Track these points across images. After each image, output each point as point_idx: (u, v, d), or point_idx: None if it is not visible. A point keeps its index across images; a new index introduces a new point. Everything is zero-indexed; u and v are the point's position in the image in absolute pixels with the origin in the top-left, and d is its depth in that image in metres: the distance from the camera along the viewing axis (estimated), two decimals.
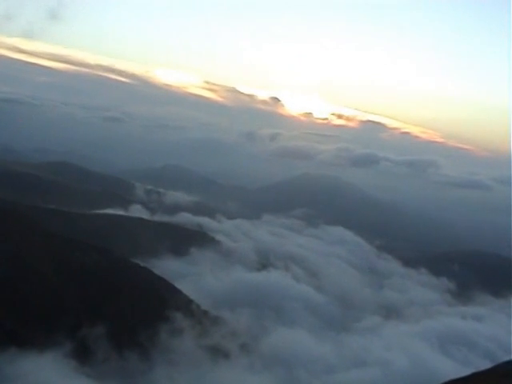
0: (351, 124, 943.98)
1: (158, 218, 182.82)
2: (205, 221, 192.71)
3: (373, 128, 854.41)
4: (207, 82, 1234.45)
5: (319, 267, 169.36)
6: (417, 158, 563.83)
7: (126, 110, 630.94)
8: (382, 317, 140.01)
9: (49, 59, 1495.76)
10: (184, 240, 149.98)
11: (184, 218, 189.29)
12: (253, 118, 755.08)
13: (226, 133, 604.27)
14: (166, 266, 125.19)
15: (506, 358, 28.91)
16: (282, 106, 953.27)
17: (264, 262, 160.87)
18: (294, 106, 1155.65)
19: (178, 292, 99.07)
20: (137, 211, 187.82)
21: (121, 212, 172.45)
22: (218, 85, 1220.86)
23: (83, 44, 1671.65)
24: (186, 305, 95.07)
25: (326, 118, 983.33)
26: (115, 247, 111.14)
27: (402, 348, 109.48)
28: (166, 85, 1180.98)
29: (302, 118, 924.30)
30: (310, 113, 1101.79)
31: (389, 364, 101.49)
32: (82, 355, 68.79)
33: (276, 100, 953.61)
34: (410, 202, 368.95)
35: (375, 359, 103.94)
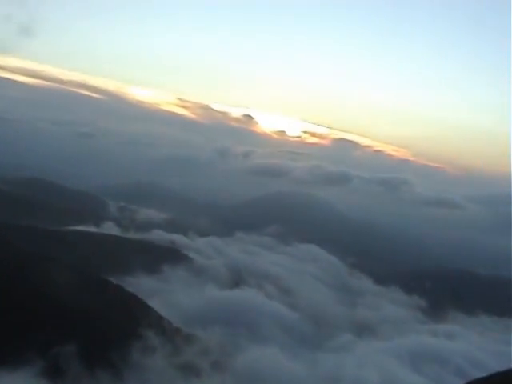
0: (324, 142, 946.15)
1: (130, 235, 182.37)
2: (177, 238, 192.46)
3: (346, 146, 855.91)
4: (180, 99, 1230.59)
5: (292, 285, 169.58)
6: (389, 176, 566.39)
7: (99, 126, 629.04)
8: (354, 334, 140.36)
9: (22, 74, 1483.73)
10: (156, 257, 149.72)
11: (156, 235, 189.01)
12: (226, 135, 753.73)
13: (199, 150, 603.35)
14: (139, 284, 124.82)
15: (477, 375, 29.19)
16: (256, 123, 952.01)
17: (236, 280, 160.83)
18: (267, 123, 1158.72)
19: (150, 309, 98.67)
20: (109, 228, 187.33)
21: (93, 229, 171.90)
22: (190, 102, 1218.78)
23: (56, 60, 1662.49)
24: (158, 322, 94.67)
25: (299, 136, 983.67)
26: (87, 264, 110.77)
27: (374, 365, 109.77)
28: (139, 101, 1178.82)
29: (275, 135, 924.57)
30: (283, 131, 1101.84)
31: (361, 381, 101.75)
32: (54, 374, 68.22)
33: (249, 117, 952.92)
34: (383, 219, 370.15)
35: (348, 377, 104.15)
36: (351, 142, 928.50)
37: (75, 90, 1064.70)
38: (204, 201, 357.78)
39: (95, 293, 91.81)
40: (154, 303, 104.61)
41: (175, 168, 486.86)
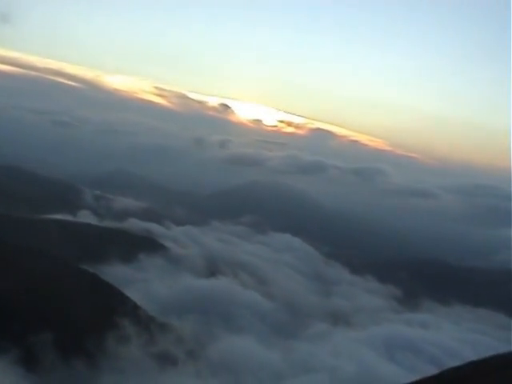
0: (300, 131, 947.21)
1: (106, 223, 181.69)
2: (153, 227, 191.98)
3: (322, 136, 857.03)
4: (157, 88, 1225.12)
5: (267, 274, 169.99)
6: (365, 166, 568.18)
7: (75, 114, 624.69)
8: (329, 323, 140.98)
9: None
10: (132, 246, 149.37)
11: (132, 224, 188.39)
12: (202, 124, 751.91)
13: (176, 139, 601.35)
14: (114, 272, 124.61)
15: (451, 364, 29.53)
16: (232, 112, 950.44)
17: (212, 269, 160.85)
18: (243, 112, 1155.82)
19: (125, 298, 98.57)
20: (85, 217, 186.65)
21: (69, 217, 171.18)
22: (167, 90, 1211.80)
23: (32, 47, 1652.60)
24: (133, 311, 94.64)
25: (276, 126, 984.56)
26: (63, 253, 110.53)
27: (349, 354, 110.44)
28: (116, 90, 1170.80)
29: (252, 125, 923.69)
30: (260, 120, 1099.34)
31: (336, 370, 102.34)
32: (30, 363, 68.18)
33: (226, 107, 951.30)
34: (358, 209, 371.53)
35: (323, 366, 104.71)
36: (327, 131, 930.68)
37: (51, 77, 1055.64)
38: (180, 190, 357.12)
39: (70, 281, 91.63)
40: (130, 292, 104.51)
41: (151, 157, 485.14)
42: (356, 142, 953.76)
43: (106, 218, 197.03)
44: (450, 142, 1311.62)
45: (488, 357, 25.66)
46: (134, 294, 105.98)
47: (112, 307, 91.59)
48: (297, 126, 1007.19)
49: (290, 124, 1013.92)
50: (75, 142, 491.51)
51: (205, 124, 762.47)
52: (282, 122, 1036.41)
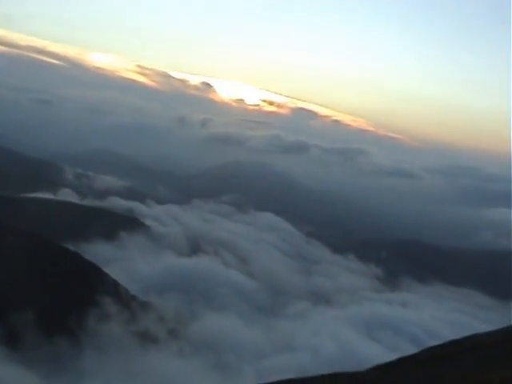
0: (282, 111, 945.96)
1: (87, 202, 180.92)
2: (135, 205, 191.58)
3: (304, 115, 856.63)
4: (139, 66, 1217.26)
5: (249, 253, 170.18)
6: (347, 146, 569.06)
7: (56, 92, 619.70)
8: (310, 302, 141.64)
9: None
10: (114, 225, 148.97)
11: (114, 203, 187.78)
12: (184, 103, 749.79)
13: (158, 117, 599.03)
14: (96, 251, 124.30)
15: (431, 343, 29.81)
16: (214, 91, 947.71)
17: (194, 248, 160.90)
18: (225, 91, 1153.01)
19: (107, 277, 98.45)
20: (66, 195, 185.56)
21: (50, 196, 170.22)
22: (149, 69, 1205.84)
23: (13, 25, 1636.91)
24: (114, 290, 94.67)
25: (258, 105, 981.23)
26: (44, 231, 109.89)
27: (329, 333, 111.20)
28: (98, 68, 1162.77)
29: (234, 104, 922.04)
30: (242, 99, 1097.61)
31: (317, 349, 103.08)
32: (12, 341, 68.23)
33: (208, 86, 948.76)
34: (340, 189, 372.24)
35: (304, 344, 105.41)
36: (310, 111, 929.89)
37: (33, 55, 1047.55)
38: (162, 169, 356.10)
39: (52, 260, 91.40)
40: (111, 271, 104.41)
41: (133, 136, 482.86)
42: (338, 121, 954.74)
43: (87, 196, 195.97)
44: (433, 124, 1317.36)
45: (468, 336, 25.88)
46: (115, 272, 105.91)
47: (93, 285, 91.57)
48: (279, 106, 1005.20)
49: (272, 103, 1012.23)
50: (56, 121, 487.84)
51: (187, 103, 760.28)
52: (264, 101, 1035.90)
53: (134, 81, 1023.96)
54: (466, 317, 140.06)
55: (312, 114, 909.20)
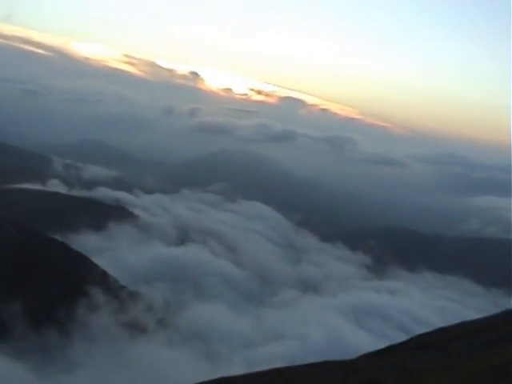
0: (270, 100, 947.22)
1: (75, 192, 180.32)
2: (123, 195, 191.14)
3: (292, 104, 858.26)
4: (126, 56, 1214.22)
5: (237, 242, 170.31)
6: (335, 135, 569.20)
7: (43, 82, 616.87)
8: (299, 291, 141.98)
9: None
10: (102, 215, 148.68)
11: (102, 193, 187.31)
12: (172, 92, 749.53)
13: (145, 107, 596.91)
14: (84, 241, 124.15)
15: (419, 331, 29.89)
16: (202, 80, 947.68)
17: (182, 237, 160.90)
18: (213, 81, 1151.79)
19: (95, 267, 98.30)
20: (54, 186, 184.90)
21: (38, 186, 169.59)
22: (137, 58, 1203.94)
23: None
24: (103, 280, 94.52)
25: (246, 94, 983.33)
26: (32, 222, 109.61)
27: (318, 321, 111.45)
28: (85, 58, 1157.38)
29: (222, 93, 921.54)
30: (230, 88, 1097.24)
31: (306, 337, 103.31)
32: (1, 332, 68.09)
33: (195, 75, 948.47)
34: (328, 178, 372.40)
35: (292, 333, 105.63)
36: (297, 100, 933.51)
37: (18, 45, 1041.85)
38: (149, 158, 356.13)
39: (40, 251, 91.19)
40: (100, 261, 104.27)
41: (120, 125, 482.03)
42: (326, 110, 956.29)
43: (75, 186, 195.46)
44: (420, 112, 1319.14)
45: (456, 323, 25.94)
46: (103, 262, 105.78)
47: (82, 276, 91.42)
48: (267, 94, 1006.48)
49: (260, 92, 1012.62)
50: (44, 112, 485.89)
51: (174, 92, 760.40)
52: (252, 90, 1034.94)
53: (121, 70, 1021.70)
54: (454, 304, 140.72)
55: (300, 103, 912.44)
